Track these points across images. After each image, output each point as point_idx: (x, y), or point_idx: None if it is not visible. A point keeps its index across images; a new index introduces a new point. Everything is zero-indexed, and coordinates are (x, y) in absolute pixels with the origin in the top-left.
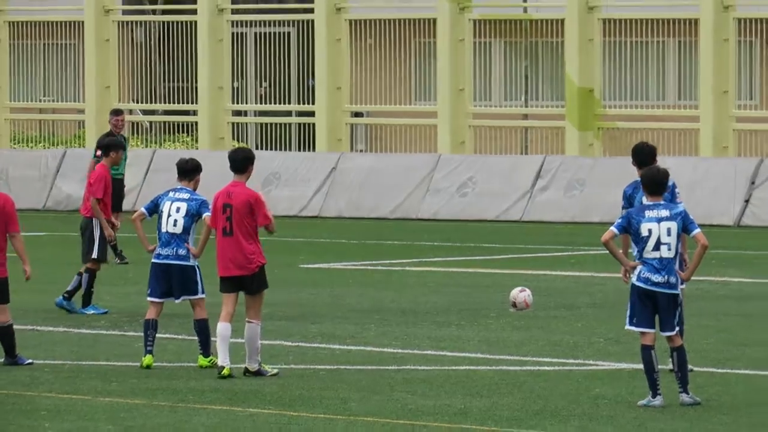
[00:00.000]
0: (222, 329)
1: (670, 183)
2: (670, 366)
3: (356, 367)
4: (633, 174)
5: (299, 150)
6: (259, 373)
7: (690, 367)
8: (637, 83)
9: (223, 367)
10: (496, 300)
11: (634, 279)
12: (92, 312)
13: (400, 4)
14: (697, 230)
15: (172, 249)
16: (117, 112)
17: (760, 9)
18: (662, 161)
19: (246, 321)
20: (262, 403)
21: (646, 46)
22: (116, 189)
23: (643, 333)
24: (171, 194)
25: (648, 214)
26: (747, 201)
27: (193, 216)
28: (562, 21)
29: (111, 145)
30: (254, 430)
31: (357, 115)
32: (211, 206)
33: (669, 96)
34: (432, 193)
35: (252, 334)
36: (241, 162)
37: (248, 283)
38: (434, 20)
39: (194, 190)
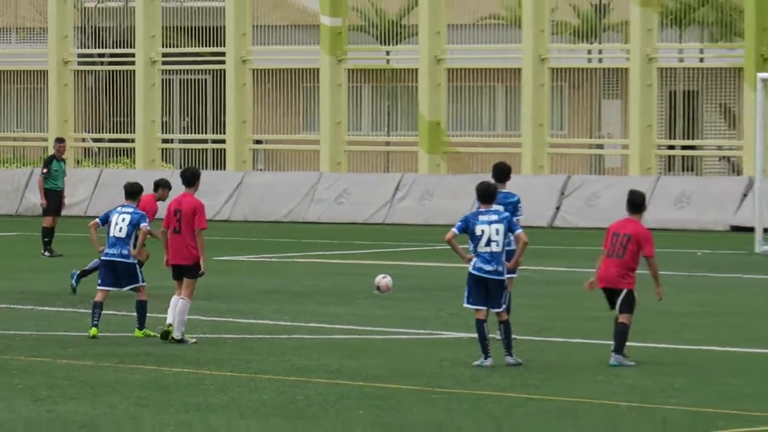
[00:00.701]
0: (174, 300)
1: (515, 199)
2: (498, 335)
3: (256, 336)
4: (472, 188)
5: (213, 169)
6: (181, 341)
7: (514, 336)
8: (474, 118)
9: (170, 324)
10: (365, 284)
11: (470, 268)
12: (73, 282)
13: (292, 57)
14: (519, 230)
15: (118, 249)
16: (60, 140)
17: (567, 61)
18: (485, 178)
19: (180, 297)
20: (183, 364)
21: (480, 90)
22: (56, 199)
23: (477, 310)
24: (119, 209)
25: (481, 218)
26: (558, 208)
27: (134, 225)
28: (416, 70)
29: (161, 184)
30: (176, 385)
31: (258, 142)
32: (165, 213)
33: (498, 127)
34: (316, 202)
35: (183, 309)
36: (191, 178)
37: (188, 270)
38: (318, 69)
39: (137, 206)
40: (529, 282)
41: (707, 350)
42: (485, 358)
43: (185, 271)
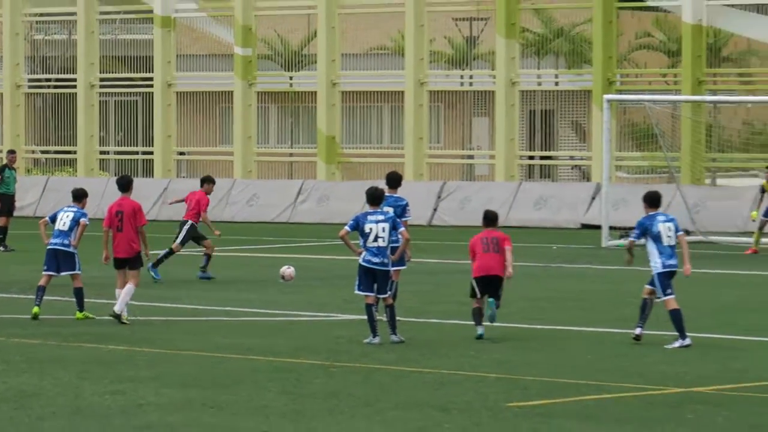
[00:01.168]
0: (118, 291)
1: (403, 203)
2: (385, 317)
3: (180, 318)
4: (362, 192)
5: (143, 177)
6: (119, 318)
7: (398, 318)
8: (364, 133)
9: (115, 311)
10: (272, 274)
11: (360, 260)
12: (152, 273)
13: (210, 81)
14: (402, 228)
15: (60, 240)
16: (12, 152)
17: (443, 85)
18: (378, 184)
19: (127, 282)
20: (118, 342)
21: (369, 109)
22: (9, 202)
23: (366, 295)
24: (65, 208)
25: (369, 218)
26: (435, 209)
27: (76, 221)
28: (315, 92)
29: (207, 179)
30: (112, 360)
31: (181, 153)
32: (105, 213)
33: (385, 141)
34: (230, 204)
35: (128, 291)
36: (126, 184)
37: (131, 261)
38: (232, 92)
39: (83, 208)
40: (412, 272)
41: (563, 329)
42: (374, 337)
43: (128, 263)
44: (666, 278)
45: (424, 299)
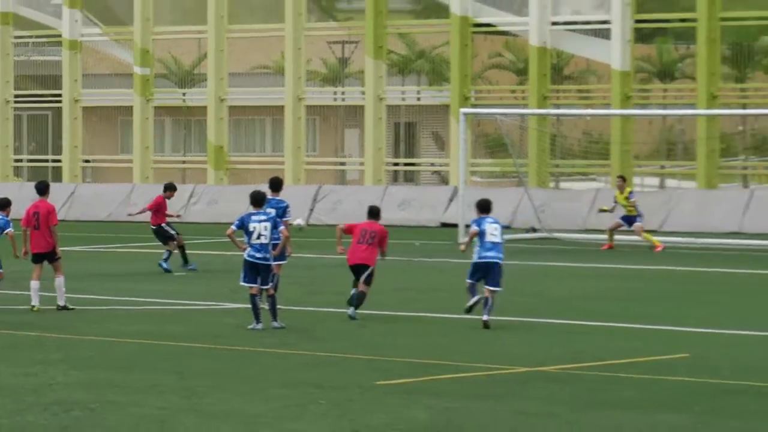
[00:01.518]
0: (34, 284)
1: (284, 205)
2: (267, 306)
3: (86, 307)
4: (247, 195)
5: (52, 182)
6: (65, 308)
7: (279, 306)
8: (248, 143)
9: (33, 306)
10: (171, 266)
11: (245, 255)
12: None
13: (112, 97)
14: (282, 227)
15: None
16: None
17: (318, 100)
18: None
19: (55, 277)
20: (30, 329)
21: (254, 122)
22: None
23: (250, 287)
24: None
25: (253, 218)
26: (312, 210)
27: (2, 229)
28: (205, 107)
29: (169, 187)
30: (25, 345)
31: (86, 161)
32: (23, 214)
33: (267, 150)
34: (132, 206)
35: (60, 283)
36: (44, 189)
37: (47, 256)
38: (131, 107)
39: (7, 215)
40: (292, 266)
41: (424, 316)
42: (257, 323)
43: (45, 257)
44: (478, 268)
45: (303, 290)
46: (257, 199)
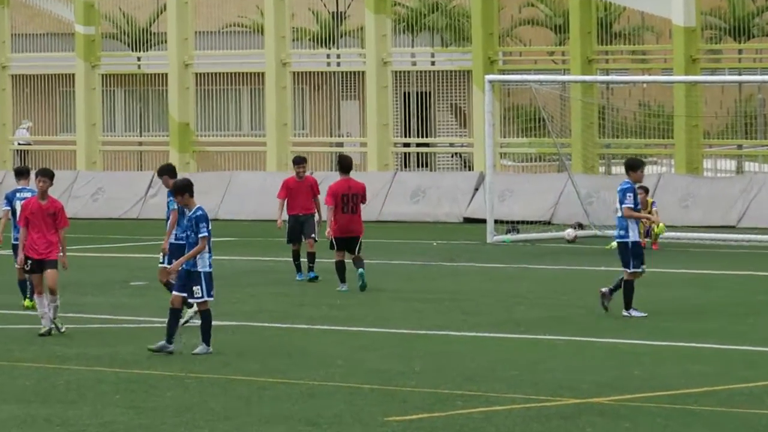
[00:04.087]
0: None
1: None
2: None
3: (18, 326)
4: (220, 184)
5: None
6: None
7: (261, 324)
8: (221, 119)
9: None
10: (120, 276)
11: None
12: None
13: (48, 63)
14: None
15: None
16: None
17: (308, 65)
18: (238, 175)
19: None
20: None
21: (227, 93)
22: None
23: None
24: None
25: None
26: None
27: None
28: (166, 75)
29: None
30: None
31: (22, 144)
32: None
33: (244, 128)
34: (73, 198)
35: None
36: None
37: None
38: (73, 75)
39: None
40: (273, 272)
41: (443, 335)
42: (167, 343)
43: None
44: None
45: (290, 302)
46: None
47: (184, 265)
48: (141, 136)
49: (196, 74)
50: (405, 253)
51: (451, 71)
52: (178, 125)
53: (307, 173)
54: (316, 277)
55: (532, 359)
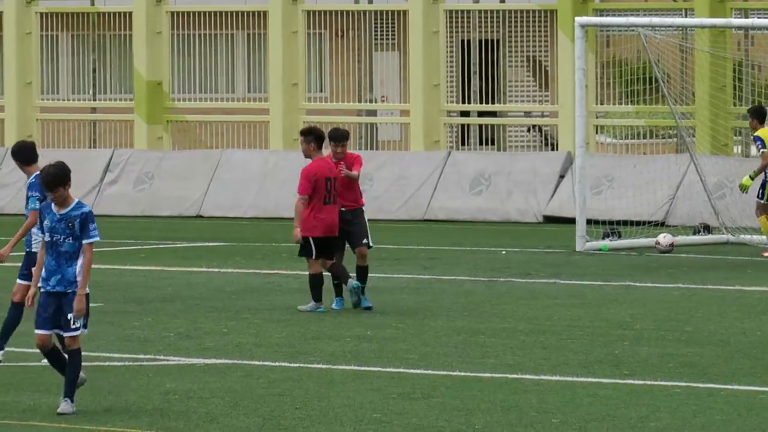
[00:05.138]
0: None
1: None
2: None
3: None
4: (205, 167)
5: None
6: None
7: (250, 362)
8: (206, 76)
9: None
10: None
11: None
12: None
13: None
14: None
15: None
16: None
17: (328, 1)
18: (230, 155)
19: None
20: None
21: (215, 39)
22: None
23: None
24: None
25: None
26: None
27: None
28: (130, 14)
29: None
30: None
31: None
32: None
33: (238, 89)
34: (1, 188)
35: None
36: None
37: None
38: (1, 13)
39: None
40: (273, 291)
41: (515, 379)
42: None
43: None
44: None
45: (302, 332)
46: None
47: (46, 287)
48: (95, 100)
49: (172, 13)
50: (462, 265)
51: (527, 11)
52: (147, 85)
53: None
54: (370, 308)
55: (640, 414)
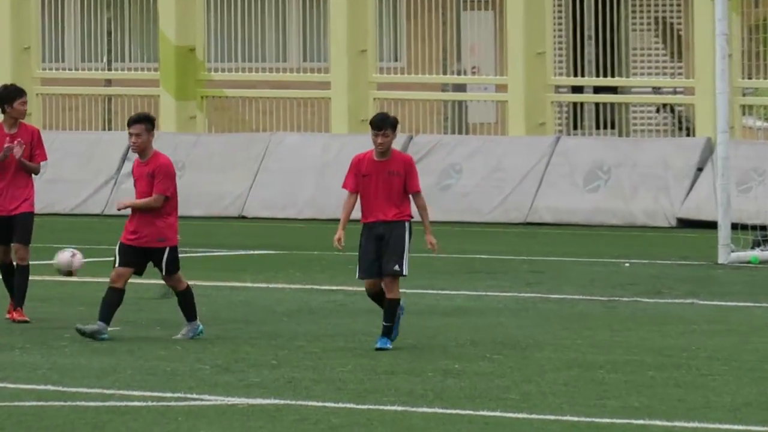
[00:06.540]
0: None
1: None
2: None
3: None
4: (246, 155)
5: None
6: None
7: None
8: (250, 41)
9: None
10: (71, 316)
11: None
12: None
13: None
14: None
15: None
16: None
17: None
18: (281, 139)
19: None
20: None
21: None
22: None
23: None
24: None
25: None
26: None
27: None
28: None
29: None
30: None
31: None
32: None
33: (292, 57)
34: None
35: None
36: None
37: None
38: None
39: None
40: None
41: (643, 426)
42: None
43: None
44: None
45: (373, 366)
46: None
47: None
48: (110, 70)
49: None
50: (574, 279)
51: None
52: (176, 51)
53: (403, 135)
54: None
55: None
